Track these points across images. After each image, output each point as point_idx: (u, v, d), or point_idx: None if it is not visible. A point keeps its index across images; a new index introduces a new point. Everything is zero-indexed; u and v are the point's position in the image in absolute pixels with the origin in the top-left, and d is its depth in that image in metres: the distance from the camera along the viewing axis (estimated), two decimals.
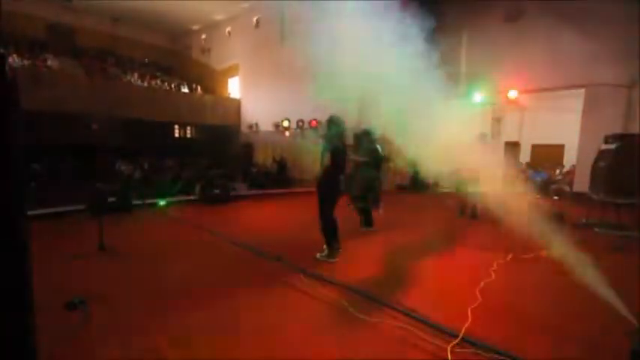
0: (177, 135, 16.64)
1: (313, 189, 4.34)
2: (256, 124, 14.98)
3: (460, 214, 6.65)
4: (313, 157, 10.42)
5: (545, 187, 10.22)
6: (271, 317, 2.67)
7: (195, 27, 17.28)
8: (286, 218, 7.00)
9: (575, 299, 2.94)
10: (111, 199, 6.66)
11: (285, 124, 12.93)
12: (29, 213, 1.35)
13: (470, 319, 2.53)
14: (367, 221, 5.57)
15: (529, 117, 12.11)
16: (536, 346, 2.28)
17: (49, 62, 11.95)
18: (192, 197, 8.65)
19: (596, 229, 5.49)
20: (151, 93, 13.79)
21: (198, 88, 16.38)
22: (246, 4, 14.23)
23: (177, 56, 18.56)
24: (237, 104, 16.06)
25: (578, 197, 8.03)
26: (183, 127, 16.51)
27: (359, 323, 2.54)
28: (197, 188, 8.86)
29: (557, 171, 10.87)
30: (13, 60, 10.77)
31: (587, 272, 2.85)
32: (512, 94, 9.52)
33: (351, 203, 5.70)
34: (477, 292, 3.03)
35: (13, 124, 1.11)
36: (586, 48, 8.49)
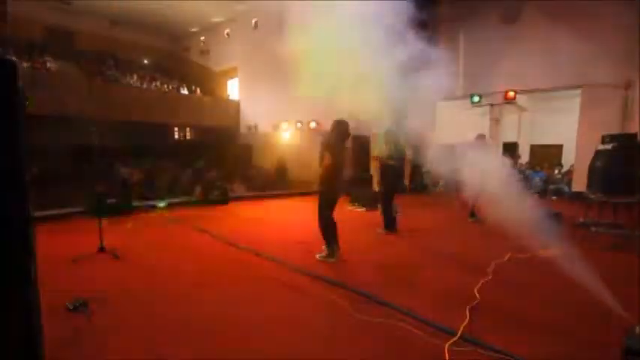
0: (176, 137, 16.67)
1: (312, 190, 4.38)
2: (255, 126, 15.01)
3: (471, 217, 6.50)
4: (312, 158, 10.45)
5: (544, 187, 10.27)
6: (271, 317, 2.69)
7: (194, 29, 17.31)
8: (285, 219, 7.03)
9: (571, 298, 2.97)
10: (110, 201, 6.68)
11: (284, 125, 12.96)
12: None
13: (468, 318, 2.55)
14: (389, 225, 5.50)
15: (527, 117, 12.17)
16: (532, 345, 2.30)
17: (48, 65, 11.96)
18: (191, 199, 8.68)
19: (594, 229, 5.52)
20: (150, 95, 13.80)
21: (197, 89, 16.40)
22: (244, 7, 14.26)
23: (176, 58, 18.58)
24: (236, 106, 16.09)
25: (577, 197, 8.07)
26: (182, 128, 16.53)
27: (358, 322, 2.56)
28: (196, 190, 8.89)
29: (556, 171, 10.92)
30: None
31: (583, 271, 2.89)
32: (511, 94, 9.57)
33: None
34: (475, 292, 3.05)
35: (22, 126, 1.14)
36: (582, 49, 8.54)
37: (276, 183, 11.90)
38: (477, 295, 2.99)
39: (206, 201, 8.38)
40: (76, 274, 3.64)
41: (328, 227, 4.08)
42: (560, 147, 11.68)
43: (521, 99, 10.27)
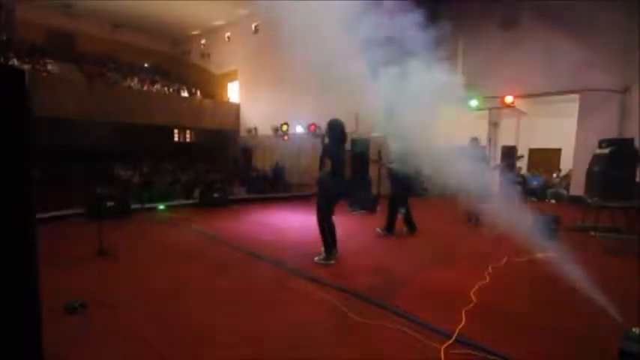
0: (176, 139, 16.72)
1: (311, 193, 4.41)
2: (255, 129, 15.06)
3: (472, 221, 6.51)
4: (311, 161, 10.50)
5: (543, 191, 10.29)
6: (268, 319, 2.71)
7: (195, 32, 17.42)
8: (284, 222, 7.04)
9: (568, 301, 2.98)
10: (110, 204, 6.70)
11: (284, 128, 13.00)
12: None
13: (464, 321, 2.57)
14: (390, 227, 5.58)
15: (526, 122, 12.22)
16: (528, 347, 2.32)
17: (49, 67, 12.02)
18: (191, 201, 8.70)
19: (592, 233, 5.54)
20: (151, 97, 13.86)
21: (198, 92, 16.48)
22: (245, 11, 14.36)
23: (177, 61, 18.67)
24: (236, 108, 16.15)
25: (575, 201, 8.09)
26: (182, 131, 16.59)
27: (354, 325, 2.58)
28: (196, 192, 8.91)
29: (555, 175, 10.95)
30: (13, 64, 10.85)
31: (580, 274, 2.91)
32: (509, 99, 9.61)
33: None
34: (472, 295, 3.07)
35: (30, 132, 1.18)
36: (580, 54, 8.62)
37: (275, 185, 11.93)
38: (474, 297, 3.01)
39: (205, 203, 8.40)
40: (76, 275, 3.66)
41: (327, 230, 4.10)
42: (558, 151, 11.72)
43: (519, 103, 10.31)
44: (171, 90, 15.38)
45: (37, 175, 8.68)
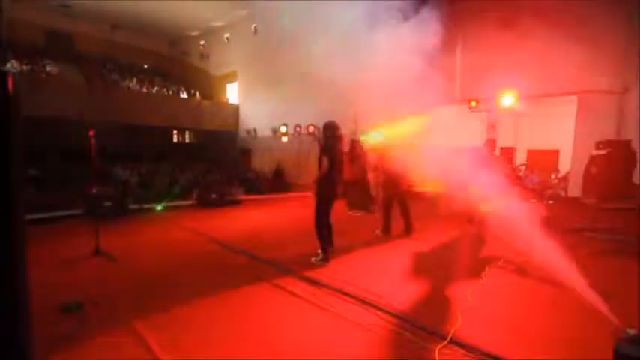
0: (175, 140, 16.71)
1: (309, 194, 4.42)
2: (254, 130, 15.07)
3: (471, 222, 6.53)
4: (310, 162, 10.50)
5: (541, 192, 10.30)
6: (264, 320, 2.71)
7: (194, 33, 17.43)
8: (282, 223, 7.04)
9: (563, 302, 2.99)
10: (108, 204, 6.70)
11: (283, 129, 13.02)
12: (26, 217, 1.40)
13: (459, 322, 2.57)
14: (386, 227, 5.62)
15: (525, 123, 12.24)
16: (523, 348, 2.32)
17: (48, 68, 12.02)
18: (189, 202, 8.69)
19: (588, 233, 5.55)
20: (150, 98, 13.87)
21: (197, 93, 16.48)
22: (244, 12, 14.39)
23: (176, 62, 18.68)
24: (235, 110, 16.17)
25: (573, 202, 8.11)
26: (181, 132, 16.58)
27: (350, 325, 2.58)
28: (194, 193, 8.91)
29: (553, 176, 10.97)
30: (12, 65, 10.85)
31: (577, 275, 2.91)
32: (508, 100, 9.63)
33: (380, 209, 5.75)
34: (468, 295, 3.07)
35: (15, 134, 1.18)
36: (578, 56, 8.64)
37: (274, 186, 11.93)
38: (470, 298, 3.01)
39: (204, 204, 8.40)
40: (72, 276, 3.66)
41: (324, 230, 4.10)
42: (556, 152, 11.74)
43: (518, 104, 10.34)
44: (170, 91, 15.39)
45: (34, 175, 8.70)
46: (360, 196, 8.48)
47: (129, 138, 13.33)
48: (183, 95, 15.77)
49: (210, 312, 2.85)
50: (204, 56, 17.52)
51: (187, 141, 17.28)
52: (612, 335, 2.24)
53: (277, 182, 12.48)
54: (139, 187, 9.57)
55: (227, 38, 16.31)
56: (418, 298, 3.15)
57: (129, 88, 13.81)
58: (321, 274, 3.74)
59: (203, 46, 17.50)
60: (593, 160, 5.80)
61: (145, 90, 14.31)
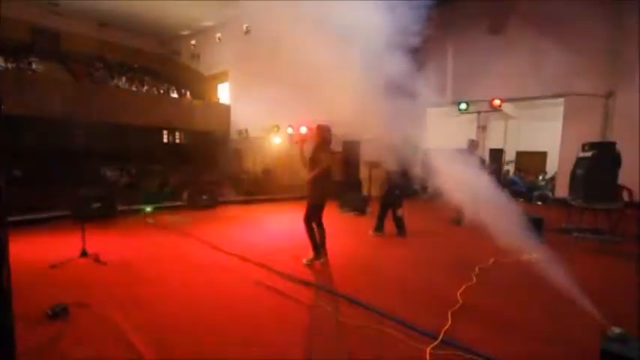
0: (165, 140, 16.50)
1: (301, 195, 4.40)
2: (246, 130, 14.98)
3: (457, 222, 6.60)
4: (302, 163, 10.46)
5: (529, 193, 10.48)
6: (257, 321, 2.68)
7: (185, 32, 17.26)
8: (274, 224, 7.01)
9: (552, 302, 3.03)
10: (96, 205, 6.57)
11: (275, 130, 12.97)
12: (10, 219, 1.36)
13: (450, 322, 2.59)
14: (399, 228, 5.70)
15: (513, 125, 12.45)
16: (512, 348, 2.35)
17: (33, 66, 11.76)
18: (179, 203, 8.59)
19: (575, 234, 5.66)
20: (139, 98, 13.67)
21: (188, 93, 16.31)
22: (235, 11, 14.29)
23: (167, 61, 18.46)
24: (226, 110, 16.04)
25: (560, 203, 8.26)
26: (171, 132, 16.38)
27: (341, 326, 2.57)
28: (185, 194, 8.80)
29: (540, 177, 11.17)
30: None
31: (564, 275, 2.96)
32: (497, 102, 9.78)
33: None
34: (458, 296, 3.10)
35: None
36: (565, 59, 8.82)
37: (265, 188, 11.87)
38: (460, 299, 3.04)
39: (194, 205, 8.31)
40: (57, 279, 3.57)
41: (314, 232, 4.10)
42: (544, 154, 11.96)
43: (507, 107, 10.51)
44: (160, 91, 15.20)
45: (19, 175, 8.49)
46: (353, 196, 8.50)
47: (118, 138, 13.11)
48: (174, 95, 15.59)
49: (200, 315, 2.81)
50: (195, 56, 17.35)
51: (177, 141, 17.08)
52: (599, 334, 2.28)
53: (269, 183, 12.42)
54: (128, 187, 9.42)
55: (218, 38, 16.19)
56: (409, 299, 3.16)
57: (118, 87, 13.59)
58: (312, 274, 3.73)
59: (194, 45, 17.34)
60: (579, 161, 5.91)
61: (134, 89, 14.10)
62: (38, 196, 7.36)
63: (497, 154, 10.53)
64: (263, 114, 13.65)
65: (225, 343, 2.38)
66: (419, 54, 4.15)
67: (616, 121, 8.64)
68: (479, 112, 10.80)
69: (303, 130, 11.81)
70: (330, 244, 4.22)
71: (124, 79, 14.36)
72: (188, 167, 12.84)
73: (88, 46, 15.27)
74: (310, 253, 4.14)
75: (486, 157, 10.63)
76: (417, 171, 6.07)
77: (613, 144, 5.69)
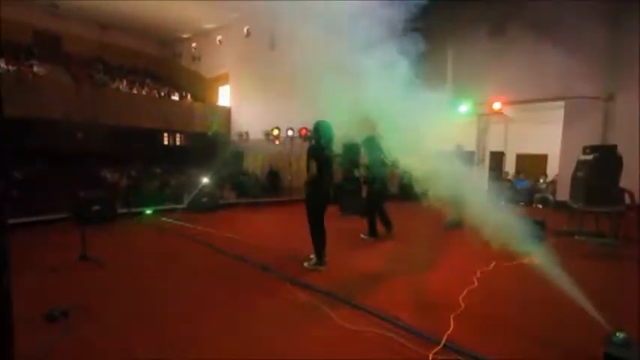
0: (166, 142, 16.51)
1: (302, 197, 4.39)
2: (246, 133, 14.99)
3: (449, 225, 6.65)
4: (303, 165, 10.47)
5: (530, 196, 10.47)
6: (257, 326, 2.66)
7: (186, 35, 17.31)
8: (275, 227, 6.99)
9: (555, 306, 3.02)
10: (96, 207, 6.55)
11: (275, 132, 12.97)
12: (11, 222, 1.35)
13: (452, 327, 2.57)
14: (372, 230, 5.70)
15: (513, 128, 12.45)
16: (515, 353, 2.33)
17: (35, 68, 11.78)
18: (180, 206, 8.57)
19: (576, 237, 5.64)
20: (140, 100, 13.69)
21: (188, 95, 16.34)
22: (236, 14, 14.35)
23: (167, 64, 18.51)
24: (227, 112, 16.07)
25: (561, 206, 8.24)
26: (172, 134, 16.40)
27: (343, 331, 2.56)
28: (185, 196, 8.79)
29: (541, 180, 11.16)
30: None
31: (566, 279, 2.94)
32: (497, 105, 9.79)
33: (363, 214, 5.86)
34: (460, 300, 3.08)
35: None
36: (565, 62, 8.83)
37: (266, 190, 11.86)
38: (462, 303, 3.02)
39: (195, 208, 8.29)
40: (57, 282, 3.55)
41: (319, 235, 4.07)
42: (545, 157, 11.95)
43: (507, 109, 10.52)
44: (161, 93, 15.22)
45: (19, 177, 8.48)
46: (353, 200, 8.48)
47: (118, 140, 13.12)
48: (175, 97, 15.61)
49: (201, 319, 2.79)
50: (195, 58, 17.40)
51: (178, 143, 17.09)
52: (602, 338, 2.27)
53: (270, 185, 12.42)
54: (128, 190, 9.40)
55: (219, 40, 16.24)
56: (410, 303, 3.14)
57: (118, 89, 13.61)
58: (313, 278, 3.71)
59: (195, 48, 17.39)
60: (580, 164, 5.90)
61: (135, 92, 14.12)
62: (38, 199, 7.35)
63: (497, 157, 10.53)
64: (264, 116, 13.69)
65: (227, 349, 2.37)
66: (419, 56, 4.14)
67: (617, 124, 8.64)
68: (479, 115, 10.81)
69: (304, 131, 11.82)
70: (330, 247, 4.20)
71: (124, 81, 14.38)
72: (188, 169, 12.84)
73: (89, 49, 15.31)
74: (311, 257, 4.12)
75: (479, 157, 10.65)
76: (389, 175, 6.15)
77: (614, 147, 5.68)
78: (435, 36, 11.15)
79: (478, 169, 9.39)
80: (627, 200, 5.73)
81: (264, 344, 2.40)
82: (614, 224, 5.47)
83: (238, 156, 15.38)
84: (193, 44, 17.43)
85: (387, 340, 2.43)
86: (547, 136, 11.04)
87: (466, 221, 6.56)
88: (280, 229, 6.67)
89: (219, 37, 16.23)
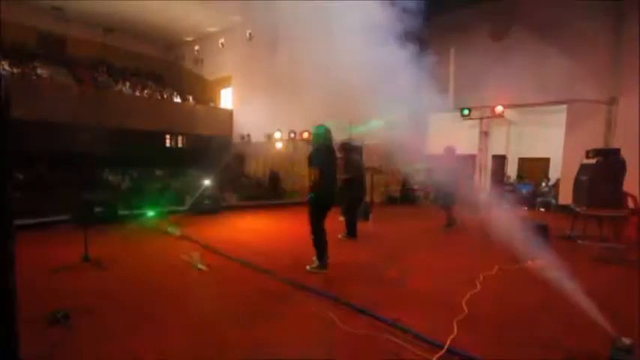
0: (168, 145, 16.56)
1: (304, 200, 4.38)
2: (248, 135, 15.03)
3: (446, 227, 6.71)
4: (304, 168, 10.48)
5: (532, 199, 10.44)
6: (258, 329, 2.65)
7: (189, 38, 17.41)
8: (276, 230, 6.99)
9: (559, 310, 3.00)
10: (98, 209, 6.56)
11: (277, 135, 13.01)
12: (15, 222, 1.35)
13: (455, 331, 2.55)
14: (350, 231, 5.85)
15: (516, 131, 12.44)
16: (519, 358, 2.31)
17: (38, 71, 11.86)
18: (181, 208, 8.58)
19: (580, 241, 5.62)
20: (143, 102, 13.75)
21: (191, 98, 16.41)
22: (239, 18, 14.43)
23: (170, 66, 18.61)
24: (229, 115, 16.12)
25: (564, 209, 8.21)
26: (174, 136, 16.45)
27: (346, 335, 2.54)
28: (187, 199, 8.80)
29: (544, 183, 11.13)
30: (2, 68, 10.67)
31: (570, 283, 2.93)
32: (499, 108, 9.79)
33: (341, 215, 5.95)
34: (463, 304, 3.06)
35: (3, 138, 1.14)
36: (567, 66, 8.84)
37: (268, 193, 11.86)
38: (465, 307, 3.00)
39: (196, 210, 8.30)
40: (59, 284, 3.55)
41: (320, 238, 4.06)
42: (547, 160, 11.93)
43: (509, 113, 10.52)
44: (163, 95, 15.28)
45: (21, 179, 8.52)
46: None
47: (120, 142, 13.17)
48: (177, 100, 15.68)
49: (202, 322, 2.78)
50: (198, 61, 17.49)
51: (180, 145, 17.14)
52: (607, 344, 2.25)
53: (272, 188, 12.42)
54: (131, 192, 9.43)
55: (222, 43, 16.32)
56: (413, 307, 3.12)
57: (121, 91, 13.67)
58: (316, 281, 3.70)
59: (197, 51, 17.48)
60: (583, 168, 5.89)
61: (137, 94, 14.19)
62: (40, 200, 7.38)
63: (499, 161, 10.50)
64: (265, 118, 13.72)
65: (229, 354, 2.36)
66: (421, 60, 4.17)
67: (619, 128, 8.62)
68: (481, 119, 10.81)
69: (305, 134, 11.84)
70: (332, 250, 4.19)
71: (127, 83, 14.45)
72: (190, 172, 12.86)
73: (93, 51, 15.40)
74: (313, 259, 4.11)
75: (489, 162, 10.61)
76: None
77: (617, 150, 5.66)
78: (436, 38, 11.22)
79: (479, 173, 9.38)
80: (630, 204, 5.71)
81: (266, 349, 2.39)
82: (618, 228, 5.45)
83: (240, 158, 15.42)
84: (196, 47, 17.52)
85: (389, 344, 2.41)
86: (549, 139, 11.03)
87: (459, 222, 6.62)
88: (281, 232, 6.66)
89: (221, 40, 16.31)
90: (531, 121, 11.80)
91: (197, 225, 7.04)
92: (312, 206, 4.06)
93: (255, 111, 14.70)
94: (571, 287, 2.88)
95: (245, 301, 3.22)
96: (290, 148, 12.79)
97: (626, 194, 5.56)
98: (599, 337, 2.41)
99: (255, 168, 14.55)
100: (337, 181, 4.62)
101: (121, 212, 7.23)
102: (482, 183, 10.39)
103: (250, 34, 14.71)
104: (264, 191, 11.95)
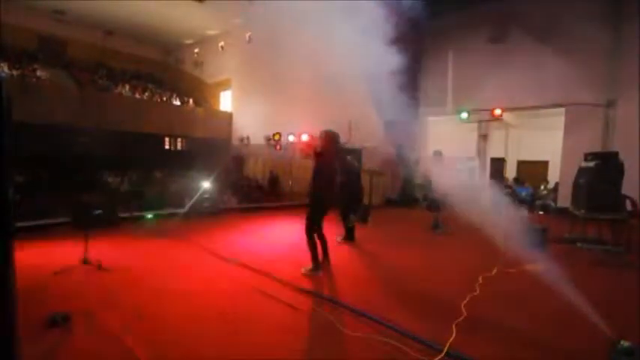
0: (167, 147, 16.56)
1: (303, 203, 4.39)
2: (247, 138, 15.03)
3: (434, 229, 6.76)
4: (304, 171, 10.50)
5: (531, 202, 10.45)
6: (257, 332, 2.65)
7: (189, 41, 17.46)
8: (275, 232, 6.98)
9: (558, 313, 3.00)
10: (97, 212, 6.54)
11: (277, 137, 13.00)
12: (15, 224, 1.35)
13: (454, 334, 2.55)
14: (349, 235, 5.83)
15: (514, 134, 12.49)
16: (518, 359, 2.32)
17: (38, 73, 11.87)
18: (181, 210, 8.57)
19: (579, 244, 5.62)
20: (142, 105, 13.76)
21: (190, 101, 16.43)
22: (238, 21, 14.48)
23: (170, 69, 18.65)
24: (228, 117, 16.14)
25: (562, 212, 8.22)
26: (173, 139, 16.46)
27: (344, 337, 2.54)
28: (186, 201, 8.79)
29: (542, 186, 11.15)
30: (2, 70, 10.68)
31: (569, 286, 2.94)
32: (498, 112, 9.83)
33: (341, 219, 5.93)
34: (462, 307, 3.06)
35: (3, 140, 1.14)
36: (566, 69, 8.89)
37: (267, 195, 11.86)
38: (464, 310, 3.00)
39: (196, 213, 8.29)
40: (59, 286, 3.54)
41: (315, 241, 4.06)
42: (546, 163, 11.96)
43: (508, 116, 10.56)
44: (163, 98, 15.30)
45: (20, 181, 8.50)
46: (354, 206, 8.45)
47: (120, 145, 13.17)
48: (177, 102, 15.70)
49: (202, 324, 2.78)
50: (198, 64, 17.52)
51: (179, 148, 17.15)
52: (606, 347, 2.25)
53: (272, 191, 12.42)
54: (130, 195, 9.41)
55: (221, 46, 16.36)
56: (412, 310, 3.12)
57: (121, 94, 13.69)
58: (313, 283, 3.70)
59: (197, 53, 17.52)
60: (582, 171, 5.90)
61: (137, 96, 14.21)
62: (40, 203, 7.36)
63: (498, 164, 10.54)
64: (265, 121, 13.73)
65: (229, 356, 2.35)
66: (420, 64, 4.22)
67: (617, 131, 8.66)
68: (480, 122, 10.84)
69: (305, 137, 11.86)
70: (331, 253, 4.19)
71: (127, 86, 14.47)
72: (190, 174, 12.85)
73: (93, 54, 15.43)
74: (309, 262, 4.10)
75: (487, 165, 10.63)
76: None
77: (616, 154, 5.68)
78: (435, 41, 11.27)
79: (478, 176, 9.40)
80: (629, 207, 5.73)
81: (265, 352, 2.39)
82: (617, 231, 5.46)
83: (239, 161, 15.42)
84: (196, 50, 17.56)
85: (388, 347, 2.41)
86: (548, 142, 11.07)
87: (446, 227, 6.64)
88: (281, 234, 6.65)
89: (221, 43, 16.36)
90: (530, 123, 11.85)
91: (196, 227, 7.03)
92: (310, 208, 4.07)
93: (255, 113, 14.73)
94: (570, 290, 2.89)
95: (243, 303, 3.22)
96: (290, 150, 12.79)
97: (624, 197, 5.58)
98: (598, 340, 2.41)
99: (255, 170, 14.55)
100: (336, 184, 4.63)
101: (121, 215, 7.22)
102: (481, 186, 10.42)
103: (250, 36, 14.77)
104: (264, 194, 11.94)
